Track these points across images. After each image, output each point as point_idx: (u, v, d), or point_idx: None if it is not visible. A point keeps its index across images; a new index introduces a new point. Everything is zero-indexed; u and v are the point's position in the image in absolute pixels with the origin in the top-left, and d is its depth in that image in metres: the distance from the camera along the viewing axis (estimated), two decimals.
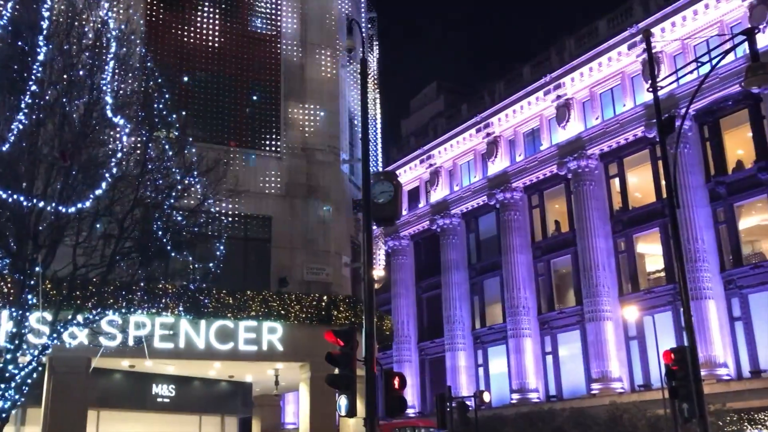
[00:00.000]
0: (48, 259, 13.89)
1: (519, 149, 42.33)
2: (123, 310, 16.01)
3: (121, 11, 16.91)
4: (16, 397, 13.46)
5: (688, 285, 18.87)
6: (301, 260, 22.71)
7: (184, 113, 21.76)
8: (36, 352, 13.95)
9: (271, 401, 31.60)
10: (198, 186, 16.23)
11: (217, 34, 23.73)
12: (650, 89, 16.16)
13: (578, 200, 37.58)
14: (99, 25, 14.93)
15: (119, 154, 14.50)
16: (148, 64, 17.70)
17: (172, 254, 15.45)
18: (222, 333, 20.66)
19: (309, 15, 24.97)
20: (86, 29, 14.77)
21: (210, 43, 23.56)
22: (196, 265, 17.41)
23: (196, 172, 16.13)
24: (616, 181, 37.46)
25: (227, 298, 20.69)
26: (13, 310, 13.66)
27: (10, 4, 14.05)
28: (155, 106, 16.51)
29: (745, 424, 28.49)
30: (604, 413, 31.05)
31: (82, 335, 17.16)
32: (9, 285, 15.26)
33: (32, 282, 13.70)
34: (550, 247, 40.43)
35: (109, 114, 14.48)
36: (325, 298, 22.02)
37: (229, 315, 20.71)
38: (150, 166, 15.13)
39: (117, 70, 14.84)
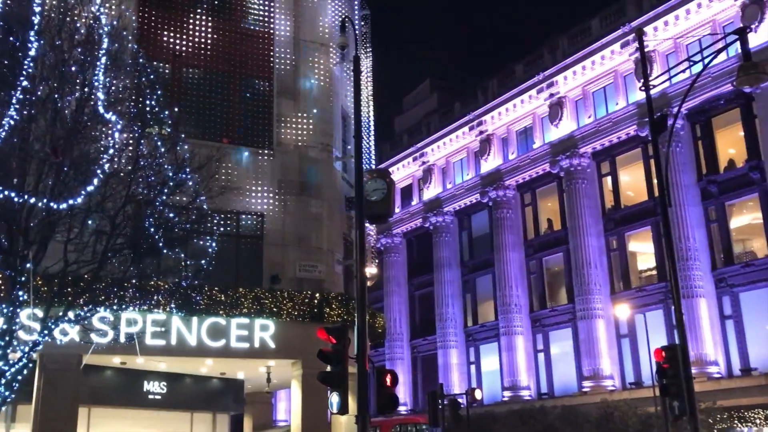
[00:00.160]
0: (39, 255, 13.84)
1: (512, 147, 42.39)
2: (114, 307, 15.96)
3: (113, 7, 16.86)
4: (6, 393, 13.43)
5: (680, 283, 18.94)
6: (294, 257, 22.69)
7: (176, 110, 21.76)
8: (26, 349, 13.91)
9: (262, 398, 31.57)
10: (190, 183, 16.19)
11: (209, 30, 23.66)
12: (643, 88, 16.20)
13: (570, 198, 37.66)
14: (91, 21, 14.87)
15: (111, 151, 14.44)
16: (140, 60, 17.62)
17: (164, 251, 15.41)
18: (214, 330, 20.62)
19: (302, 12, 24.93)
20: (78, 25, 14.71)
21: (203, 40, 23.49)
22: (188, 262, 17.36)
23: (188, 169, 16.09)
24: (609, 180, 37.56)
25: (219, 295, 20.66)
26: (3, 306, 13.61)
27: (0, 0, 13.98)
28: (147, 102, 16.45)
29: (735, 421, 28.62)
30: (596, 411, 31.13)
31: (73, 332, 17.10)
32: (0, 281, 15.20)
33: (23, 278, 13.66)
34: (542, 245, 40.52)
35: (101, 110, 14.43)
36: (317, 295, 22.00)
37: (221, 312, 20.68)
38: (142, 163, 15.09)
39: (109, 66, 14.77)
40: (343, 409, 12.92)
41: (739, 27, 15.26)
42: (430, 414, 24.65)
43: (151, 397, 22.85)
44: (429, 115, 50.16)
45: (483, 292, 44.07)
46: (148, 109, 16.28)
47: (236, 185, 22.07)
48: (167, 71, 22.58)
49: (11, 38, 13.87)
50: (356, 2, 28.04)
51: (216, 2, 24.04)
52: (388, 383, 13.40)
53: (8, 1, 14.13)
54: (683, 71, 25.72)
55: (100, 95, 14.42)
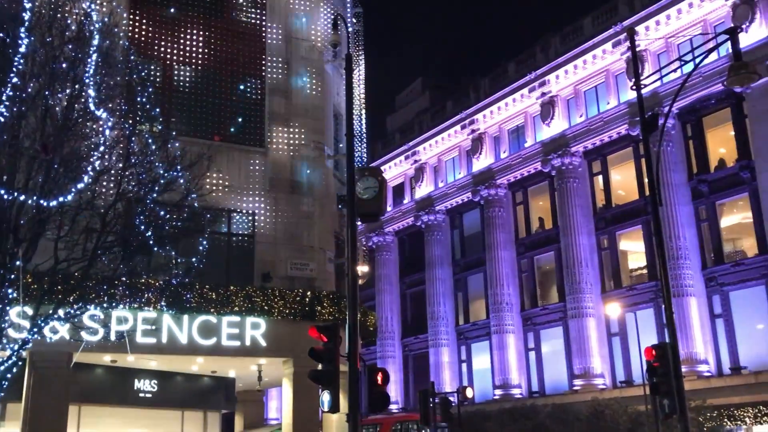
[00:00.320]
0: (29, 253, 13.77)
1: (503, 146, 42.45)
2: (105, 305, 15.90)
3: (104, 4, 16.78)
4: None
5: (670, 282, 19.03)
6: (285, 256, 22.65)
7: (167, 107, 21.69)
8: (16, 347, 13.84)
9: (254, 397, 31.54)
10: (181, 180, 16.14)
11: (201, 27, 23.58)
12: (634, 87, 16.23)
13: (562, 197, 37.75)
14: (82, 18, 14.80)
15: (102, 148, 14.39)
16: (132, 57, 17.55)
17: (155, 249, 15.36)
18: (205, 328, 20.57)
19: (294, 9, 24.88)
20: (69, 21, 14.64)
21: (194, 37, 23.41)
22: (179, 260, 17.32)
23: (179, 167, 16.03)
24: (600, 179, 37.67)
25: (210, 293, 20.60)
26: None
27: None
28: (138, 99, 16.39)
29: (725, 420, 28.77)
30: (586, 409, 31.25)
31: (63, 330, 17.03)
32: None
33: (12, 276, 13.58)
34: (533, 244, 40.61)
35: (92, 107, 14.37)
36: (308, 293, 21.97)
37: (212, 310, 20.63)
38: (133, 160, 15.03)
39: (100, 63, 14.70)
40: (334, 408, 12.91)
41: (730, 27, 15.32)
42: (422, 412, 24.65)
43: (141, 395, 22.76)
44: (421, 114, 50.18)
45: (474, 291, 44.15)
46: (139, 106, 16.21)
47: (227, 183, 22.02)
48: (158, 69, 22.48)
49: (1, 34, 13.78)
50: (348, 0, 28.00)
51: (208, 0, 23.96)
52: (380, 382, 13.40)
53: None
54: (674, 71, 25.85)
55: (91, 92, 14.35)
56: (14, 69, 13.40)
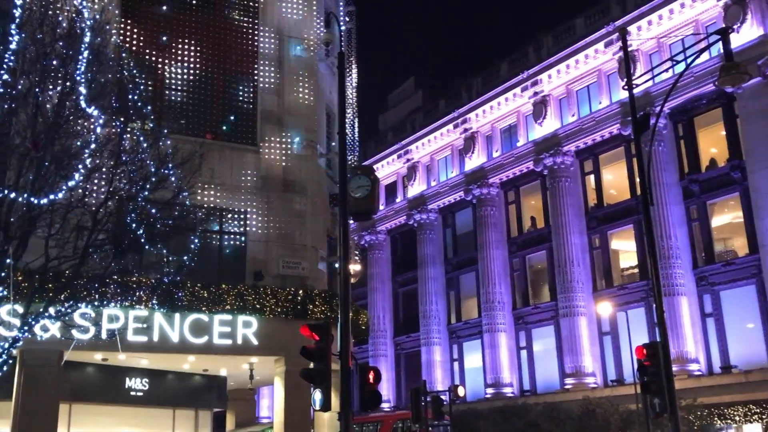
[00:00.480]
0: (19, 250, 13.69)
1: (496, 145, 42.51)
2: (96, 303, 15.83)
3: (95, 0, 16.69)
4: None
5: (661, 281, 19.08)
6: (277, 254, 22.60)
7: (159, 105, 21.61)
8: (6, 345, 13.76)
9: (245, 395, 31.47)
10: (173, 178, 16.08)
11: (193, 25, 23.50)
12: (626, 87, 16.25)
13: (554, 197, 37.83)
14: (73, 14, 14.72)
15: (93, 146, 14.31)
16: (123, 54, 17.47)
17: (146, 247, 15.30)
18: (196, 326, 20.51)
19: (287, 7, 24.82)
20: (60, 18, 14.56)
21: (186, 34, 23.33)
22: (171, 258, 17.26)
23: (171, 165, 15.97)
24: (592, 178, 37.77)
25: (202, 292, 20.53)
26: None
27: None
28: (130, 97, 16.32)
29: (715, 418, 28.91)
30: (578, 408, 31.34)
31: (54, 328, 16.95)
32: None
33: (3, 274, 13.50)
34: (525, 243, 40.69)
35: (83, 104, 14.29)
36: (300, 292, 21.94)
37: (203, 308, 20.57)
38: (124, 158, 14.95)
39: (91, 60, 14.63)
40: (326, 406, 12.90)
41: (722, 27, 15.34)
42: (413, 411, 24.67)
43: (133, 393, 22.68)
44: (414, 113, 50.20)
45: (466, 290, 44.20)
46: (130, 104, 16.14)
47: (219, 181, 21.95)
48: (150, 66, 22.39)
49: None
50: None
51: None
52: (371, 380, 13.41)
53: None
54: (666, 71, 25.97)
55: (82, 89, 14.27)
56: (4, 65, 13.32)
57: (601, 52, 36.39)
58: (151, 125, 17.29)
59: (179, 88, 22.89)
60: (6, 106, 13.37)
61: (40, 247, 13.88)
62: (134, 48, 21.97)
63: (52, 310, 14.54)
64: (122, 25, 22.06)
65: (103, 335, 18.19)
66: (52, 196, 13.60)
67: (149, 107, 17.06)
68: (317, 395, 12.84)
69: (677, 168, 33.52)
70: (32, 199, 13.37)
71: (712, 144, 33.31)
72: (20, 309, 14.25)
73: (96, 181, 14.34)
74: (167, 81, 22.73)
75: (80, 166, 13.95)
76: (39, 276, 14.18)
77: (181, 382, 24.27)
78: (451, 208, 45.50)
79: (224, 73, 23.76)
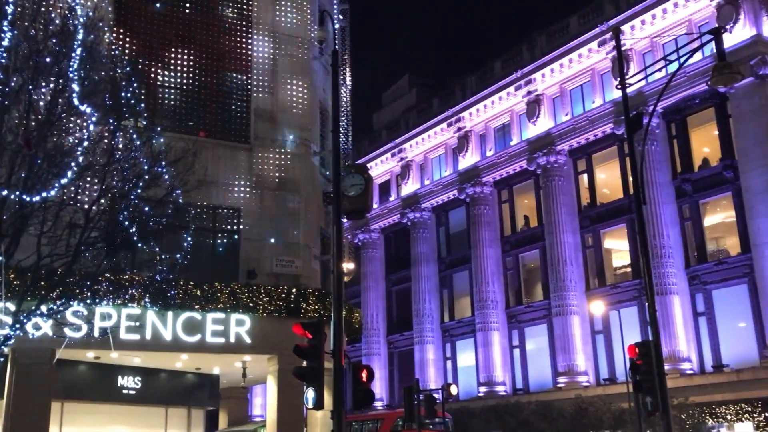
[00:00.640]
0: (11, 248, 13.65)
1: (489, 144, 42.55)
2: (88, 301, 15.78)
3: None
4: None
5: (654, 280, 19.13)
6: (270, 252, 22.57)
7: (152, 102, 21.55)
8: None
9: (238, 393, 31.42)
10: (166, 176, 16.04)
11: (187, 22, 23.45)
12: (619, 86, 16.29)
13: (547, 196, 37.89)
14: (66, 11, 14.67)
15: (86, 143, 14.27)
16: (116, 51, 17.41)
17: (139, 245, 15.26)
18: (189, 325, 20.48)
19: (281, 6, 24.78)
20: (53, 15, 14.51)
21: (180, 32, 23.27)
22: (164, 256, 17.22)
23: (164, 162, 15.93)
24: (585, 177, 37.84)
25: (195, 290, 20.50)
26: None
27: None
28: (123, 94, 16.27)
29: (707, 417, 29.01)
30: (570, 406, 31.41)
31: (46, 326, 16.91)
32: None
33: None
34: (518, 242, 40.75)
35: (76, 102, 14.25)
36: (294, 290, 21.92)
37: (196, 307, 20.54)
38: (117, 156, 14.91)
39: (84, 58, 14.57)
40: (318, 405, 12.87)
41: (715, 27, 15.38)
42: (406, 409, 24.68)
43: (125, 391, 22.65)
44: (408, 111, 50.19)
45: (460, 288, 44.23)
46: (123, 101, 16.09)
47: (212, 179, 21.91)
48: (143, 64, 22.33)
49: None
50: None
51: None
52: (364, 379, 13.39)
53: None
54: (659, 70, 25.99)
55: (75, 87, 14.23)
56: None
57: (595, 52, 36.45)
58: (144, 123, 17.24)
59: (172, 86, 22.82)
60: None
61: (32, 244, 13.84)
62: (127, 46, 21.89)
63: (44, 308, 14.50)
64: (115, 23, 21.98)
65: (96, 333, 18.15)
66: (44, 194, 13.56)
67: (142, 105, 17.00)
68: (310, 394, 12.82)
69: (670, 167, 33.62)
70: (24, 196, 13.33)
71: (705, 143, 33.41)
72: (12, 307, 14.22)
73: (89, 178, 14.29)
74: (160, 79, 22.66)
75: (73, 164, 13.92)
76: (31, 274, 14.15)
77: (174, 381, 24.24)
78: (445, 207, 45.52)
79: (218, 71, 23.71)
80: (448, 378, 42.00)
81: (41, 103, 14.00)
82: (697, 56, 29.67)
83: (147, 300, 18.87)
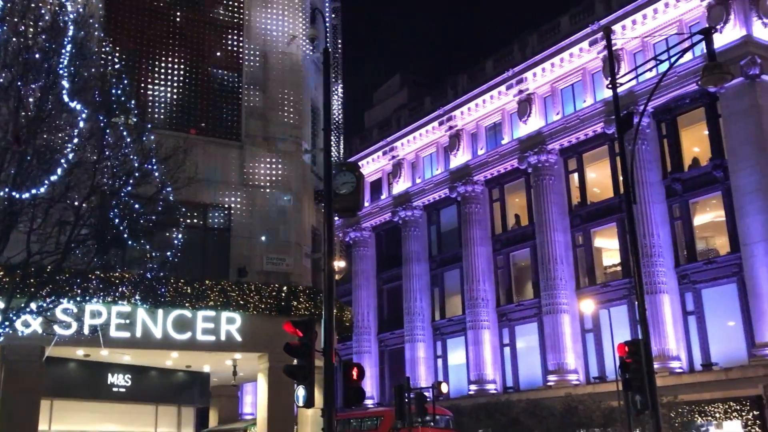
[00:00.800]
0: (1, 245, 13.58)
1: (481, 143, 42.61)
2: (78, 299, 15.72)
3: None
4: None
5: (644, 279, 19.25)
6: (261, 250, 22.54)
7: (143, 99, 21.48)
8: None
9: (228, 392, 31.39)
10: (156, 174, 15.99)
11: (178, 20, 23.38)
12: (610, 86, 16.35)
13: (538, 194, 37.99)
14: (56, 7, 14.59)
15: (76, 140, 14.20)
16: (107, 48, 17.33)
17: (129, 242, 15.21)
18: (179, 323, 20.43)
19: (272, 3, 24.73)
20: (43, 11, 14.43)
21: (171, 29, 23.20)
22: (154, 254, 17.17)
23: (154, 160, 15.88)
24: (575, 176, 37.95)
25: (185, 288, 20.45)
26: None
27: None
28: (113, 91, 16.20)
29: (696, 415, 29.15)
30: (560, 404, 31.52)
31: (35, 323, 16.82)
32: None
33: None
34: (509, 240, 40.83)
35: (66, 98, 14.18)
36: (284, 288, 21.90)
37: (187, 304, 20.49)
38: (107, 153, 14.85)
39: (74, 54, 14.50)
40: (309, 403, 12.89)
41: (705, 27, 15.46)
42: (397, 407, 24.69)
43: (115, 389, 22.57)
44: (399, 110, 50.19)
45: (451, 287, 44.29)
46: (114, 98, 16.02)
47: (203, 177, 21.84)
48: (134, 60, 22.25)
49: None
50: None
51: None
52: (355, 377, 13.41)
53: None
54: (650, 70, 26.12)
55: (65, 83, 14.17)
56: None
57: (586, 51, 36.55)
58: (135, 120, 17.18)
59: (163, 83, 22.74)
60: None
61: (22, 241, 13.76)
62: (118, 42, 21.79)
63: (33, 306, 14.44)
64: (106, 19, 21.87)
65: (86, 331, 18.08)
66: (34, 191, 13.49)
67: (133, 102, 16.93)
68: (300, 392, 12.83)
69: (660, 167, 33.75)
70: (14, 193, 13.27)
71: (695, 143, 33.56)
72: (1, 304, 14.14)
73: (79, 175, 14.21)
74: (151, 76, 22.58)
75: (63, 161, 13.85)
76: (20, 271, 14.07)
77: (164, 379, 24.18)
78: (436, 206, 45.56)
79: (209, 69, 23.65)
80: (438, 376, 42.05)
81: (31, 100, 13.92)
82: (688, 56, 29.81)
83: (137, 297, 18.82)
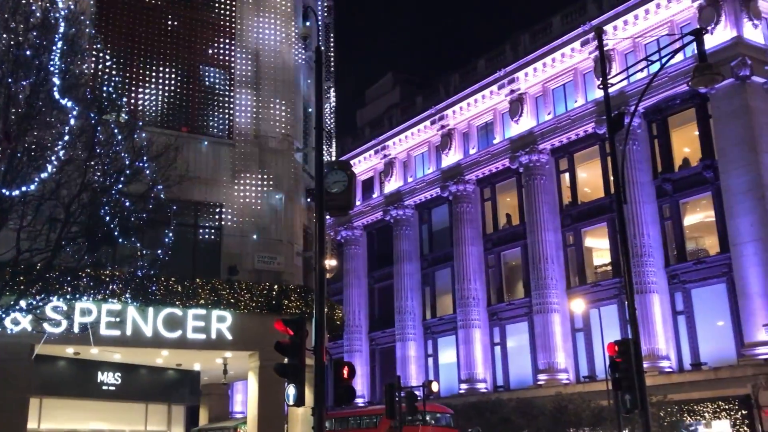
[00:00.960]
0: None
1: (472, 142, 42.66)
2: (68, 296, 15.66)
3: None
4: None
5: (634, 279, 19.33)
6: (252, 249, 22.49)
7: (134, 97, 21.40)
8: None
9: (219, 390, 31.37)
10: (147, 171, 15.93)
11: (169, 17, 23.30)
12: (601, 86, 16.39)
13: (529, 194, 38.07)
14: (47, 4, 14.52)
15: (66, 137, 14.14)
16: (98, 45, 17.26)
17: (120, 240, 15.16)
18: (170, 321, 20.37)
19: (265, 2, 24.68)
20: (33, 7, 14.36)
21: (162, 27, 23.12)
22: (145, 252, 17.11)
23: (145, 157, 15.82)
24: (567, 176, 38.05)
25: (176, 286, 20.39)
26: None
27: None
28: (105, 88, 16.14)
29: (685, 415, 29.29)
30: (550, 403, 31.60)
31: (25, 321, 16.76)
32: None
33: None
34: (500, 240, 40.91)
35: (57, 95, 14.11)
36: (275, 287, 21.87)
37: (177, 303, 20.43)
38: (98, 150, 14.79)
39: (65, 51, 14.43)
40: (299, 401, 12.87)
41: (696, 28, 15.52)
42: (387, 406, 24.71)
43: (105, 388, 22.49)
44: (391, 109, 50.19)
45: (442, 286, 44.35)
46: (105, 95, 15.95)
47: (195, 175, 21.78)
48: (126, 58, 22.17)
49: None
50: None
51: None
52: (346, 375, 13.40)
53: None
54: (641, 70, 26.14)
55: (56, 80, 14.10)
56: None
57: (578, 51, 36.64)
58: (126, 117, 17.11)
59: (154, 80, 22.66)
60: None
61: (12, 239, 13.70)
62: (109, 39, 21.71)
63: (23, 303, 14.37)
64: (97, 16, 21.78)
65: (76, 329, 18.00)
66: (24, 188, 13.43)
67: (124, 99, 16.86)
68: (291, 390, 12.81)
69: (651, 167, 33.88)
70: (4, 190, 13.20)
71: (686, 144, 33.70)
72: None
73: (69, 173, 14.15)
74: (142, 73, 22.50)
75: (53, 158, 13.79)
76: (10, 268, 14.00)
77: (154, 377, 24.12)
78: (428, 205, 45.60)
79: (200, 67, 23.58)
80: (429, 375, 42.12)
81: (21, 97, 13.85)
82: (679, 57, 29.96)
83: (128, 295, 18.75)
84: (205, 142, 22.87)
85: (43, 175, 13.64)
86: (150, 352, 21.47)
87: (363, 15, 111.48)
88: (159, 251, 17.69)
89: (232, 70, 23.88)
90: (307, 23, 15.81)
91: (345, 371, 13.41)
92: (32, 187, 13.58)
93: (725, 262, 30.53)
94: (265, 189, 23.18)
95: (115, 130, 15.73)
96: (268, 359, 19.11)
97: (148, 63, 22.66)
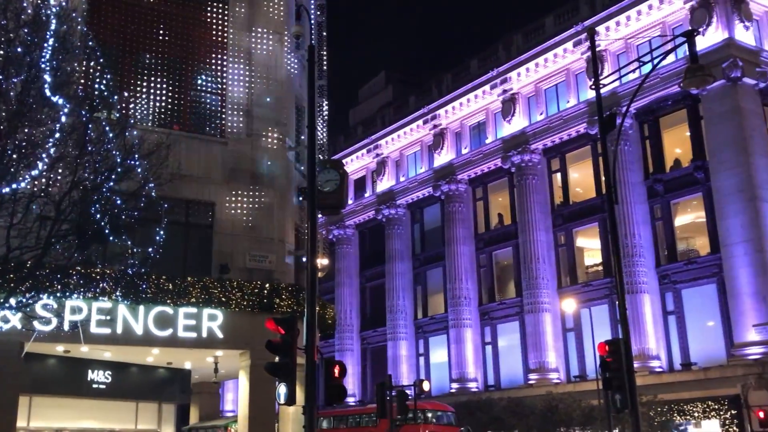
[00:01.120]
0: None
1: (465, 142, 42.71)
2: (58, 294, 15.59)
3: None
4: None
5: (625, 279, 19.36)
6: (244, 247, 22.45)
7: (126, 95, 21.32)
8: None
9: (209, 389, 31.31)
10: (139, 169, 15.88)
11: (162, 15, 23.23)
12: (593, 87, 16.44)
13: (521, 194, 38.14)
14: (38, 1, 14.45)
15: (57, 135, 14.08)
16: (90, 42, 17.19)
17: (111, 238, 15.10)
18: (161, 319, 20.32)
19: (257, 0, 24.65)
20: (24, 4, 14.29)
21: (155, 25, 23.05)
22: (135, 250, 17.06)
23: (137, 155, 15.77)
24: (558, 176, 38.15)
25: (167, 284, 20.34)
26: None
27: None
28: (96, 86, 16.07)
29: (675, 414, 29.40)
30: (541, 403, 31.69)
31: (14, 319, 16.67)
32: None
33: None
34: (492, 239, 40.98)
35: (48, 93, 14.05)
36: (267, 285, 21.83)
37: (168, 301, 20.38)
38: (90, 148, 14.72)
39: (57, 48, 14.36)
40: (290, 400, 12.87)
41: (688, 30, 15.59)
42: (379, 405, 24.74)
43: (95, 386, 22.41)
44: (384, 108, 50.21)
45: (433, 285, 44.40)
46: (96, 92, 15.89)
47: (186, 173, 21.72)
48: (118, 55, 22.09)
49: None
50: None
51: None
52: (337, 374, 13.41)
53: None
54: (633, 71, 26.25)
55: (47, 78, 14.03)
56: None
57: (570, 52, 36.72)
58: (117, 115, 17.05)
59: (146, 78, 22.59)
60: None
61: (2, 236, 13.63)
62: (101, 37, 21.63)
63: (13, 301, 14.30)
64: (89, 13, 21.70)
65: (66, 327, 17.94)
66: (14, 186, 13.36)
67: (115, 97, 16.80)
68: (282, 389, 12.80)
69: (642, 167, 34.00)
70: None
71: (677, 144, 33.83)
72: None
73: (60, 170, 14.09)
74: (134, 71, 22.43)
75: (44, 155, 13.72)
76: (0, 266, 13.93)
77: (145, 375, 24.05)
78: (420, 204, 45.63)
79: (193, 64, 23.52)
80: (420, 374, 42.18)
81: (12, 94, 13.77)
82: (671, 58, 30.11)
83: (118, 294, 18.68)
84: (197, 141, 22.80)
85: (34, 172, 13.57)
86: (140, 350, 21.41)
87: (356, 14, 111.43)
88: (150, 249, 17.63)
89: (225, 68, 23.83)
90: (300, 22, 15.75)
91: (336, 370, 13.42)
92: (23, 184, 13.51)
93: (716, 263, 30.66)
94: (257, 187, 23.14)
95: (107, 128, 15.66)
96: (259, 358, 19.08)
97: (140, 60, 22.58)
